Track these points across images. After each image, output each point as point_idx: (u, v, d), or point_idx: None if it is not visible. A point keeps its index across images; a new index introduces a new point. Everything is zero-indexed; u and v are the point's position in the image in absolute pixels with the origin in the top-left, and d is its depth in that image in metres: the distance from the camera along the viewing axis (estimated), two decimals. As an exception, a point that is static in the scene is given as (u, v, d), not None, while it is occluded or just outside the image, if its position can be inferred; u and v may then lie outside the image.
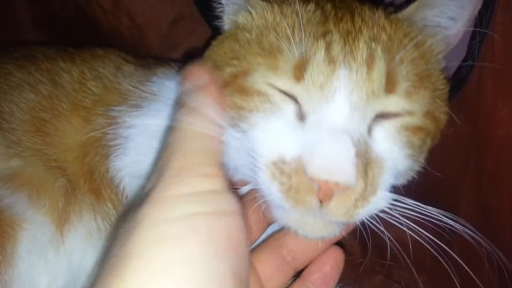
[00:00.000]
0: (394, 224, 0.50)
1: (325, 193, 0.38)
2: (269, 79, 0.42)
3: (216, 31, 0.69)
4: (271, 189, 0.40)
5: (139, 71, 0.58)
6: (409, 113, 0.43)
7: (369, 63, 0.42)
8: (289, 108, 0.42)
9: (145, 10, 0.72)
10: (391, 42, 0.43)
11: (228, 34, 0.49)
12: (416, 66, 0.43)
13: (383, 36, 0.44)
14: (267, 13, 0.46)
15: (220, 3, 0.51)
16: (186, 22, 0.72)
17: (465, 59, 0.51)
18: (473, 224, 0.45)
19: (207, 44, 0.51)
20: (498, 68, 0.43)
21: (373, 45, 0.42)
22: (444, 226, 0.42)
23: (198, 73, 0.43)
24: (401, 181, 0.48)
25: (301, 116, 0.42)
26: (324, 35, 0.43)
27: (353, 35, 0.43)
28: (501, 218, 0.46)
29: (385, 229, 0.53)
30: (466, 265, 0.43)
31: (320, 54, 0.41)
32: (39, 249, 0.49)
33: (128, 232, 0.33)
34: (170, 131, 0.40)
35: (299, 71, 0.41)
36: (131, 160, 0.53)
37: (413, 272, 0.57)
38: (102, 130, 0.53)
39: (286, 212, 0.42)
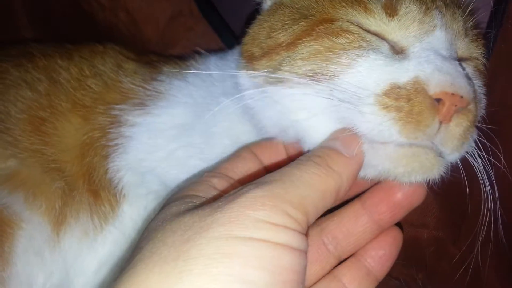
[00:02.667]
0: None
1: (448, 110, 0.37)
2: (358, 20, 0.43)
3: (215, 29, 0.70)
4: (384, 123, 0.38)
5: (141, 69, 0.58)
6: (475, 58, 0.47)
7: (449, 8, 0.45)
8: (383, 45, 0.42)
9: (143, 6, 0.72)
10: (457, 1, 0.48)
11: (280, 2, 0.49)
12: (474, 23, 0.47)
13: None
14: None
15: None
16: (184, 18, 0.71)
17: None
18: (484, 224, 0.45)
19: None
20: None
21: (447, 1, 0.47)
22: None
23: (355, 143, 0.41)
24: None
25: (397, 51, 0.42)
26: None
27: None
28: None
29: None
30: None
31: None
32: (36, 248, 0.49)
33: (184, 237, 0.32)
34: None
35: (391, 9, 0.43)
36: (133, 158, 0.53)
37: (412, 269, 0.58)
38: (103, 130, 0.53)
39: (393, 149, 0.39)
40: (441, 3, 0.46)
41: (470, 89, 0.39)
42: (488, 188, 0.43)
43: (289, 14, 0.46)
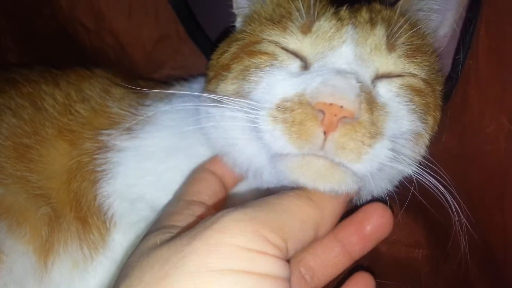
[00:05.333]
0: (387, 240, 0.50)
1: (330, 120, 0.38)
2: (276, 39, 0.46)
3: (202, 50, 0.70)
4: (274, 134, 0.40)
5: (129, 95, 0.58)
6: (410, 74, 0.46)
7: (372, 23, 0.46)
8: (295, 62, 0.45)
9: (129, 29, 0.71)
10: (388, 17, 0.49)
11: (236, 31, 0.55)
12: (411, 38, 0.47)
13: (382, 13, 0.49)
14: None
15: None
16: (171, 40, 0.71)
17: (449, 75, 0.52)
18: (467, 241, 0.45)
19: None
20: (483, 83, 0.44)
21: (373, 14, 0.48)
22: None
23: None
24: (414, 151, 0.46)
25: (306, 67, 0.44)
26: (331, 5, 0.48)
27: (356, 9, 0.49)
28: (492, 232, 0.46)
29: (378, 245, 0.53)
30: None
31: (329, 12, 0.47)
32: (17, 281, 0.47)
33: (161, 272, 0.31)
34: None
35: (307, 27, 0.46)
36: (122, 184, 0.52)
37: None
38: (90, 155, 0.52)
39: (290, 159, 0.41)
40: (362, 19, 0.47)
41: (354, 100, 0.39)
42: (452, 203, 0.44)
43: (231, 39, 0.52)
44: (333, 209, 0.41)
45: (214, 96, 0.46)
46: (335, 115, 0.38)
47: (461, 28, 0.50)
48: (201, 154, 0.53)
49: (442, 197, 0.43)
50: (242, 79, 0.46)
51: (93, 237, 0.51)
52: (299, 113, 0.39)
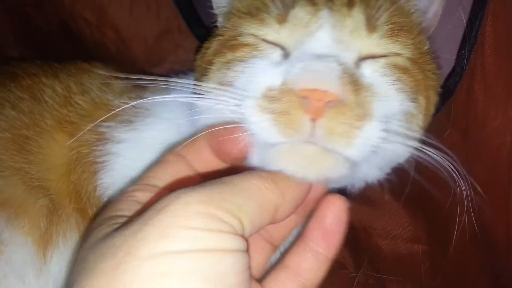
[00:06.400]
0: (387, 235, 0.50)
1: (316, 107, 0.37)
2: (254, 31, 0.46)
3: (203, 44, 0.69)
4: (262, 124, 0.39)
5: (129, 88, 0.57)
6: (394, 54, 0.45)
7: (349, 5, 0.45)
8: (275, 52, 0.44)
9: (130, 23, 0.71)
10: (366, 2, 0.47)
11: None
12: (393, 16, 0.46)
13: None
14: None
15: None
16: (172, 35, 0.71)
17: (453, 69, 0.51)
18: (468, 236, 0.45)
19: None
20: (490, 78, 0.43)
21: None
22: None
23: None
24: (407, 131, 0.43)
25: (286, 56, 0.44)
26: None
27: None
28: (495, 230, 0.45)
29: (379, 240, 0.53)
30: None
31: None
32: (17, 272, 0.47)
33: (115, 260, 0.30)
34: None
35: (282, 17, 0.45)
36: (122, 175, 0.52)
37: (408, 285, 0.57)
38: (90, 146, 0.52)
39: (280, 149, 0.39)
40: (339, 2, 0.46)
41: (338, 83, 0.38)
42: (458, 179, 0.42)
43: (213, 37, 0.52)
44: (295, 195, 0.39)
45: (197, 86, 0.46)
46: (320, 100, 0.37)
47: (466, 23, 0.49)
48: None
49: (447, 174, 0.41)
50: (225, 70, 0.46)
51: None
52: (284, 101, 0.38)
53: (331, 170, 0.39)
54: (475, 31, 0.45)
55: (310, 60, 0.40)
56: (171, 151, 0.46)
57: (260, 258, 0.43)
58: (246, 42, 0.46)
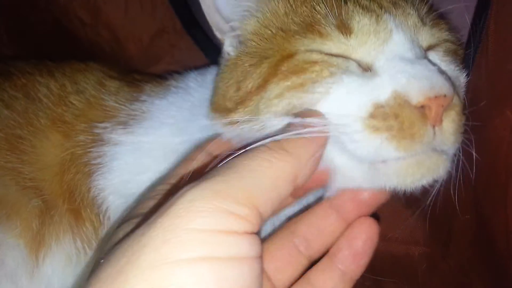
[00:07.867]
0: (384, 237, 0.49)
1: (437, 113, 0.37)
2: (318, 47, 0.42)
3: (199, 45, 0.69)
4: (379, 145, 0.37)
5: (124, 88, 0.57)
6: (444, 41, 0.46)
7: (395, 4, 0.45)
8: (351, 64, 0.41)
9: (125, 23, 0.71)
10: None
11: (237, 55, 0.48)
12: (429, 11, 0.47)
13: None
14: (278, 3, 0.47)
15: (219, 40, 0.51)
16: (168, 35, 0.71)
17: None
18: (470, 232, 0.44)
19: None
20: (493, 77, 0.44)
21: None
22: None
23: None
24: None
25: (366, 69, 0.41)
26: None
27: None
28: (495, 227, 0.45)
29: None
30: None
31: (358, 6, 0.43)
32: (9, 275, 0.46)
33: (116, 268, 0.28)
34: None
35: (345, 27, 0.42)
36: (118, 179, 0.51)
37: (405, 287, 0.57)
38: (84, 147, 0.51)
39: (399, 164, 0.38)
40: (389, 4, 0.45)
41: (449, 84, 0.38)
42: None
43: (249, 61, 0.45)
44: (313, 152, 0.36)
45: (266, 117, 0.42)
46: (441, 105, 0.37)
47: (471, 23, 0.49)
48: None
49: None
50: (293, 100, 0.41)
51: (86, 230, 0.50)
52: (406, 116, 0.37)
53: (445, 171, 0.40)
54: (479, 31, 0.45)
55: (410, 67, 0.39)
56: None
57: (288, 272, 0.42)
58: (312, 60, 0.41)
